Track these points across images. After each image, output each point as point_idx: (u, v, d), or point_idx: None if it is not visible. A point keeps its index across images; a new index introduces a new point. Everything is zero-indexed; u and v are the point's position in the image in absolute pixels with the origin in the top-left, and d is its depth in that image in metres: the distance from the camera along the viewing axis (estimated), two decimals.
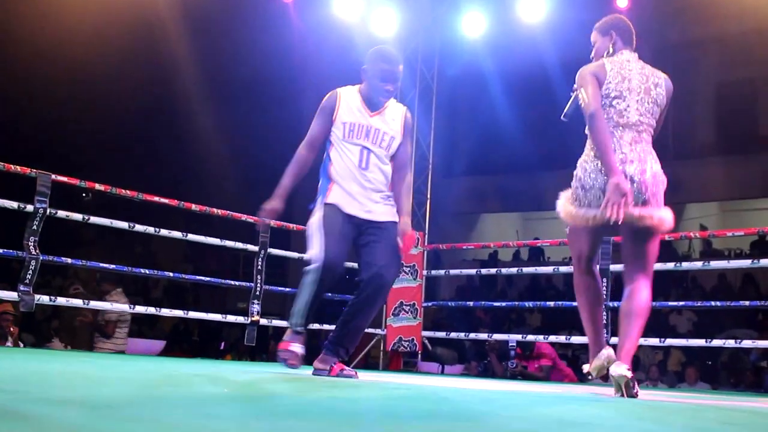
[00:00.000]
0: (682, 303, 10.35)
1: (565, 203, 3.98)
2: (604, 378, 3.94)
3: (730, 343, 7.82)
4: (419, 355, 9.09)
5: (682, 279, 13.75)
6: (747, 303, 8.49)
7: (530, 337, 8.30)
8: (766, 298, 11.17)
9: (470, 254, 17.17)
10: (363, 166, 4.32)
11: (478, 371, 10.52)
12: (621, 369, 3.57)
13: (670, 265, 7.76)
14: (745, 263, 8.81)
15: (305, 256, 4.34)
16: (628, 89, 3.89)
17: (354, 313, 4.25)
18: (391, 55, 4.47)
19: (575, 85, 4.06)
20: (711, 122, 15.87)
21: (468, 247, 13.28)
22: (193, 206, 6.98)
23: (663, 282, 12.72)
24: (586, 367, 4.14)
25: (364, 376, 5.41)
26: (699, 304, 9.58)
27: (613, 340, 5.01)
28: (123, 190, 6.48)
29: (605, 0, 9.45)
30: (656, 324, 12.01)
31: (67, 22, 13.04)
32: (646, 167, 3.79)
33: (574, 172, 3.93)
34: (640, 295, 3.86)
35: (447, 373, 10.02)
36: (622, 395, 3.56)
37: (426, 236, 9.18)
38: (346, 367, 4.29)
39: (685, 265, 8.94)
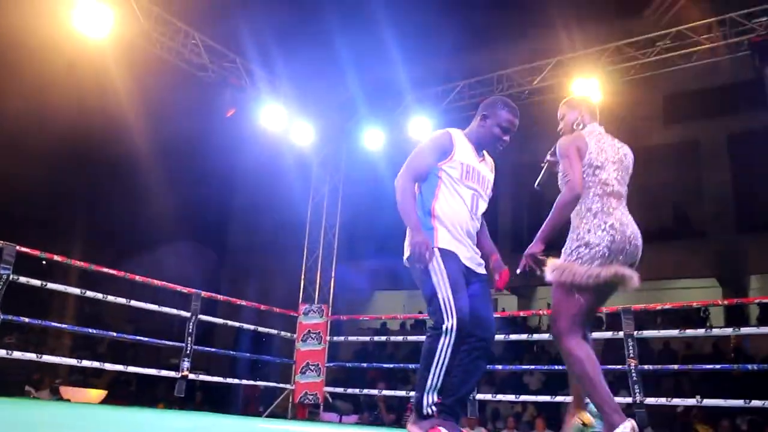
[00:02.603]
0: (533, 366, 10.49)
1: (561, 264, 3.21)
2: None
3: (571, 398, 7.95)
4: (321, 407, 8.94)
5: (531, 346, 13.98)
6: None
7: (414, 393, 8.26)
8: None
9: (365, 324, 17.13)
10: (473, 211, 3.43)
11: (369, 420, 10.39)
12: (589, 417, 3.04)
13: (524, 336, 7.93)
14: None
15: (428, 317, 3.25)
16: (606, 160, 3.34)
17: (465, 375, 3.26)
18: (515, 109, 3.58)
19: (548, 156, 3.60)
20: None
21: (364, 318, 13.26)
22: (137, 277, 6.79)
23: (518, 349, 12.96)
24: None
25: (274, 425, 5.28)
26: (546, 368, 9.74)
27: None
28: (77, 261, 6.27)
29: None
30: (512, 383, 12.14)
31: (24, 96, 12.67)
32: (638, 233, 3.25)
33: (573, 235, 3.26)
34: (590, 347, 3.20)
35: (344, 422, 9.85)
36: None
37: (330, 308, 9.13)
38: None
39: (536, 336, 9.15)
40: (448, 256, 3.25)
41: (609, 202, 3.26)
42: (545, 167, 3.67)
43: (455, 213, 3.35)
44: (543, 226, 3.26)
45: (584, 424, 3.09)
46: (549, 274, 3.23)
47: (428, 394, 3.12)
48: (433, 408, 3.12)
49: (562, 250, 3.30)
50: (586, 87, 8.47)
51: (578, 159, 3.31)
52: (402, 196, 3.34)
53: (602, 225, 3.18)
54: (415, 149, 3.48)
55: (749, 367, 7.60)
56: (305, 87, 10.23)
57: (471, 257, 3.38)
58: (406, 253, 3.33)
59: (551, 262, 3.25)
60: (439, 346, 3.10)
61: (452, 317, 3.11)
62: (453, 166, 3.39)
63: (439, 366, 3.10)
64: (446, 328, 3.10)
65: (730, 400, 6.41)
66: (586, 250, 3.16)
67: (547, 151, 3.70)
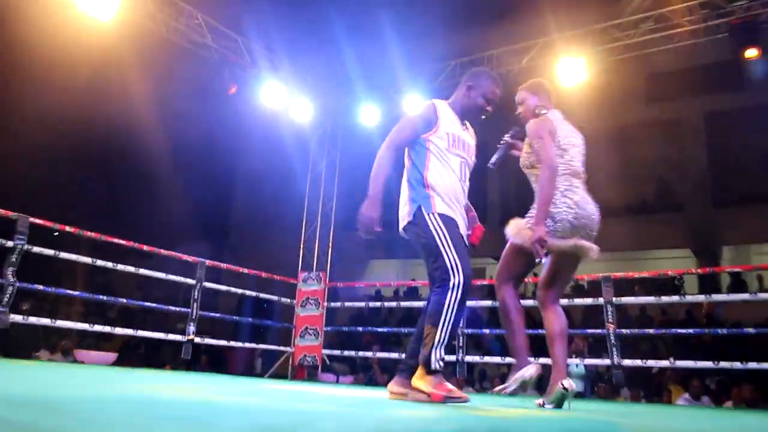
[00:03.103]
0: None
1: (523, 226, 3.41)
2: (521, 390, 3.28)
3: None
4: (319, 368, 9.02)
5: None
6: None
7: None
8: (579, 328, 11.51)
9: (361, 291, 17.21)
10: (462, 178, 3.35)
11: (364, 381, 10.48)
12: (571, 382, 3.17)
13: None
14: (565, 302, 9.10)
15: (435, 274, 3.08)
16: (569, 143, 3.48)
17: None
18: (499, 80, 3.54)
19: (507, 137, 3.67)
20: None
21: (360, 285, 13.34)
22: (145, 247, 6.80)
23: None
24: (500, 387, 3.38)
25: (276, 384, 5.33)
26: (531, 331, 9.78)
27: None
28: (88, 232, 6.27)
29: None
30: (499, 346, 12.23)
31: (36, 78, 12.58)
32: (596, 209, 3.43)
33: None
34: (563, 315, 3.49)
35: (341, 382, 9.95)
36: (559, 406, 3.17)
37: (327, 276, 9.17)
38: (453, 389, 3.01)
39: (522, 302, 9.17)
40: (448, 220, 3.19)
41: (572, 181, 3.40)
42: (502, 147, 3.71)
43: (446, 181, 3.28)
44: (537, 210, 3.32)
45: (565, 389, 3.16)
46: (509, 234, 3.41)
47: (437, 349, 3.00)
48: (441, 363, 3.01)
49: (527, 217, 3.44)
50: (573, 67, 8.44)
51: (551, 140, 3.39)
52: (376, 164, 3.27)
53: (567, 202, 3.33)
54: (400, 121, 3.41)
55: (719, 331, 7.69)
56: (304, 65, 10.17)
57: (464, 223, 3.35)
58: (402, 223, 3.31)
59: (513, 223, 3.43)
60: (447, 302, 3.00)
61: (459, 274, 3.04)
62: (440, 137, 3.31)
63: (447, 322, 2.99)
64: (453, 284, 3.02)
65: (700, 362, 6.50)
66: (551, 222, 3.32)
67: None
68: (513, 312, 3.46)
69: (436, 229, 3.14)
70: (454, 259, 3.06)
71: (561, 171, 3.40)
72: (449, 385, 3.00)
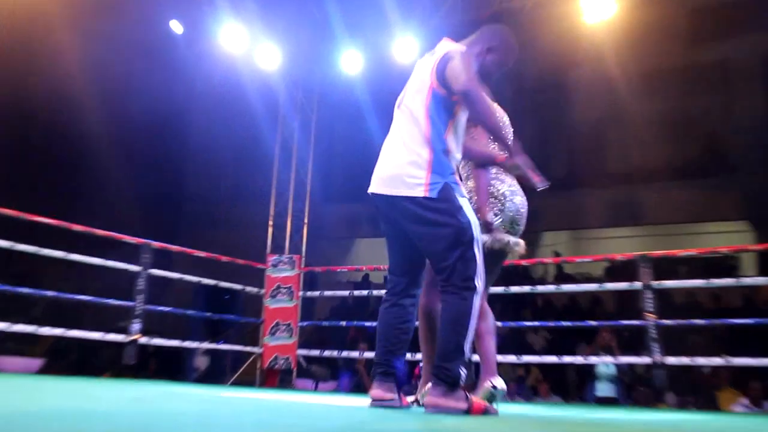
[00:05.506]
0: (537, 323, 10.61)
1: None
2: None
3: (579, 359, 8.10)
4: (294, 373, 9.03)
5: (535, 299, 14.10)
6: (595, 323, 8.80)
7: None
8: (612, 318, 11.58)
9: (344, 276, 17.22)
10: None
11: (350, 387, 10.52)
12: (502, 382, 3.47)
13: (527, 288, 7.96)
14: (593, 287, 9.14)
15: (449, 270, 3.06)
16: (504, 125, 3.68)
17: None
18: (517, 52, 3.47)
19: None
20: (563, 159, 16.35)
21: (342, 269, 13.33)
22: (75, 226, 6.71)
23: (520, 303, 13.06)
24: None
25: (238, 393, 5.32)
26: (552, 324, 9.84)
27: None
28: (4, 209, 6.17)
29: None
30: (513, 342, 12.30)
31: None
32: (525, 200, 3.69)
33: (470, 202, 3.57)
34: (490, 311, 3.72)
35: (320, 389, 9.98)
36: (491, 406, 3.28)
37: (303, 259, 9.14)
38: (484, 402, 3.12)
39: (540, 288, 9.20)
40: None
41: (499, 170, 3.64)
42: None
43: (456, 159, 3.21)
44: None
45: (494, 388, 3.46)
46: None
47: (462, 363, 3.00)
48: (465, 375, 3.03)
49: None
50: None
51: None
52: (492, 116, 3.12)
53: (494, 192, 3.60)
54: (460, 58, 3.11)
55: None
56: (271, 3, 10.04)
57: None
58: (409, 190, 3.10)
59: None
60: (473, 307, 3.02)
61: (482, 280, 3.08)
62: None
63: (471, 330, 3.01)
64: (479, 290, 3.04)
65: (761, 359, 6.52)
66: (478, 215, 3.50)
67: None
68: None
69: (472, 223, 3.09)
70: (482, 263, 3.09)
71: None
72: (486, 404, 3.09)
